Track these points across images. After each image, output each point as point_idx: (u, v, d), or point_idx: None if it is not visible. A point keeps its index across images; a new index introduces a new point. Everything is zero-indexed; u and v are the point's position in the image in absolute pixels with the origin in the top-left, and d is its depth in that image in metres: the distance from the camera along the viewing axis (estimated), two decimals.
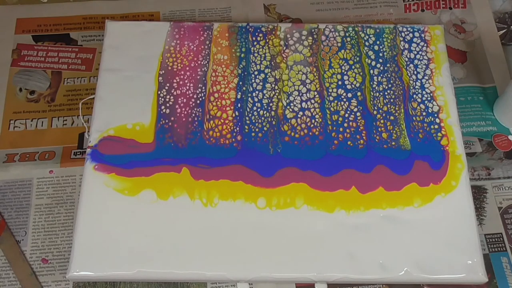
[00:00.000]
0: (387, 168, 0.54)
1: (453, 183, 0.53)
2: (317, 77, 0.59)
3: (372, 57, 0.60)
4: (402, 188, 0.53)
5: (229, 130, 0.56)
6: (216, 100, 0.57)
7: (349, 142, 0.55)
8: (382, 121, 0.57)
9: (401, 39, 0.61)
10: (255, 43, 0.61)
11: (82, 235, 0.51)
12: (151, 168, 0.54)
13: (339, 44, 0.60)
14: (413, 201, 0.52)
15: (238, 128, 0.56)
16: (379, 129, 0.56)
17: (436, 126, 0.56)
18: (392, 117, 0.57)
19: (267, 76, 0.59)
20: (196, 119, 0.56)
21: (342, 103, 0.57)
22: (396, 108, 0.57)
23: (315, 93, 0.58)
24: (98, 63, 0.64)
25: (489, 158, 0.60)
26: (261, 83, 0.58)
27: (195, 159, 0.54)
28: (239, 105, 0.57)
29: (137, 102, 0.57)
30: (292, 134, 0.56)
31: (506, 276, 0.54)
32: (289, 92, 0.58)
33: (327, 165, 0.54)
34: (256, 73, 0.59)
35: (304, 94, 0.58)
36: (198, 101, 0.57)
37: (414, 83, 0.58)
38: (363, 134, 0.56)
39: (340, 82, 0.58)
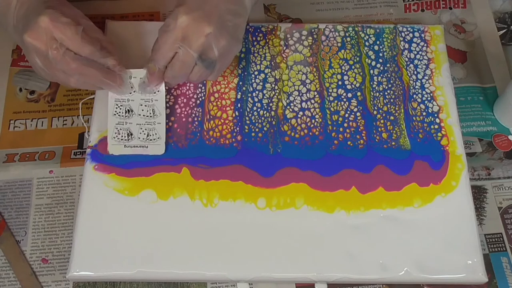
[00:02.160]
0: (387, 168, 0.54)
1: (453, 183, 0.53)
2: (317, 77, 0.59)
3: (372, 57, 0.60)
4: (402, 188, 0.53)
5: (229, 130, 0.56)
6: (216, 100, 0.57)
7: (349, 142, 0.55)
8: (382, 121, 0.57)
9: (401, 39, 0.61)
10: (255, 43, 0.61)
11: (82, 235, 0.51)
12: (151, 168, 0.54)
13: (339, 44, 0.60)
14: (413, 201, 0.52)
15: (238, 128, 0.56)
16: (379, 129, 0.56)
17: (436, 126, 0.56)
18: (392, 117, 0.57)
19: (267, 76, 0.59)
20: (196, 119, 0.56)
21: (342, 103, 0.57)
22: (396, 108, 0.57)
23: (315, 93, 0.58)
24: None
25: (489, 158, 0.60)
26: (261, 83, 0.58)
27: (195, 159, 0.54)
28: (239, 105, 0.57)
29: None
30: (292, 134, 0.56)
31: (506, 276, 0.54)
32: (289, 92, 0.58)
33: (327, 165, 0.54)
34: (256, 73, 0.59)
35: (304, 94, 0.58)
36: (198, 101, 0.57)
37: (414, 83, 0.58)
38: (363, 134, 0.56)
39: (340, 82, 0.58)
